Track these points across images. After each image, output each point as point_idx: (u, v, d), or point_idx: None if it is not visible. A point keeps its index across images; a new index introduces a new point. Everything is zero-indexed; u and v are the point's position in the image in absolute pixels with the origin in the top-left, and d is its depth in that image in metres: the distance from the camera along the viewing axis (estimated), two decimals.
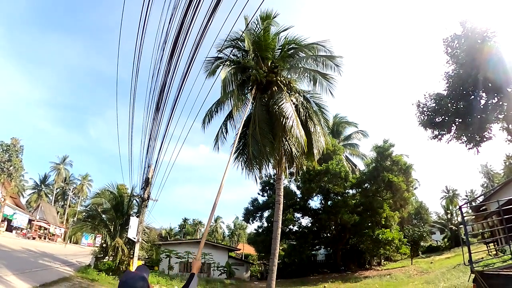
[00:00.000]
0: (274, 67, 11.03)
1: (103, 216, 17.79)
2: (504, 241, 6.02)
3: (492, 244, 16.57)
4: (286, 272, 26.10)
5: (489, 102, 8.93)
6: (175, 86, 9.09)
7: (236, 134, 8.67)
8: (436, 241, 43.48)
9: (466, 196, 58.76)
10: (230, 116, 11.26)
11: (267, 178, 28.42)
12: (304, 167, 15.36)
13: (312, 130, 10.22)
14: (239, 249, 37.68)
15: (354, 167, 30.30)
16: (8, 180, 26.61)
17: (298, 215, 27.52)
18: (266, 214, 28.00)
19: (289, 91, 10.69)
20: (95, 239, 21.39)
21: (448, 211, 47.19)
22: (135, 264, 14.90)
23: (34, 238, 33.77)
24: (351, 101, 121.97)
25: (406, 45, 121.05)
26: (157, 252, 24.67)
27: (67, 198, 59.31)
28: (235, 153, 10.65)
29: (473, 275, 4.65)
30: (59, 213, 53.98)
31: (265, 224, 27.75)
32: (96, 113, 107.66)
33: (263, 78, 10.35)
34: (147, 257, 21.52)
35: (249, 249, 39.85)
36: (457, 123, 9.37)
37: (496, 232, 11.76)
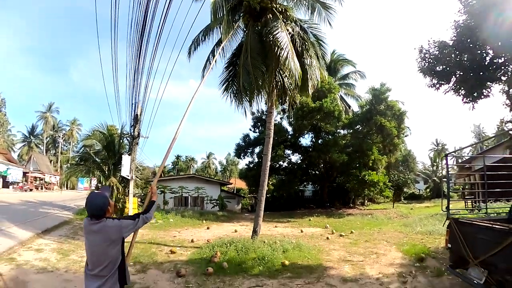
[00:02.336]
0: None
1: (96, 158, 17.75)
2: (482, 199, 6.14)
3: (470, 201, 17.56)
4: (274, 206, 27.71)
5: (495, 60, 8.30)
6: (158, 15, 8.12)
7: (226, 63, 8.08)
8: (419, 189, 46.05)
9: (454, 152, 60.56)
10: (218, 44, 10.38)
11: (259, 114, 28.26)
12: (297, 103, 14.91)
13: (308, 63, 9.57)
14: (231, 183, 39.31)
15: (348, 107, 30.02)
16: None
17: (288, 151, 27.96)
18: (257, 150, 28.32)
19: (284, 20, 9.67)
20: (90, 182, 21.82)
21: (435, 164, 48.91)
22: (130, 201, 15.36)
23: (31, 190, 34.31)
24: (351, 40, 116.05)
25: None
26: None
27: (58, 145, 59.21)
28: (224, 83, 10.06)
29: (448, 221, 4.85)
30: (52, 162, 54.37)
31: (256, 160, 28.28)
32: (77, 55, 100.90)
33: (256, 4, 9.25)
34: (142, 194, 22.25)
35: (240, 184, 41.42)
36: (457, 75, 8.88)
37: (476, 189, 12.17)
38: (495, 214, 6.11)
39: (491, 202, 8.61)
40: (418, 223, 13.33)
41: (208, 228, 14.56)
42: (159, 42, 8.90)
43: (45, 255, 6.86)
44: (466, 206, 18.31)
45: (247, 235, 10.49)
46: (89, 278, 2.27)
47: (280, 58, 8.45)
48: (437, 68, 9.51)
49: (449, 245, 4.76)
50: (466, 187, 18.63)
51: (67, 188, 49.27)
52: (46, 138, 57.74)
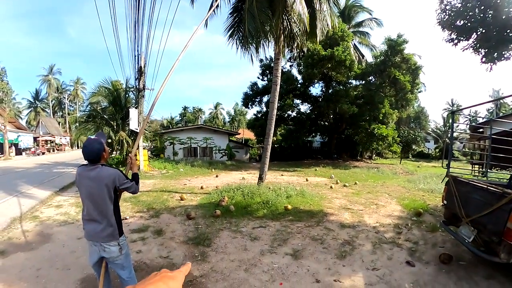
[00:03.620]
0: None
1: (103, 114, 17.91)
2: (488, 166, 6.02)
3: (477, 166, 17.14)
4: (282, 155, 28.23)
5: None
6: None
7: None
8: (428, 148, 45.48)
9: (469, 115, 58.03)
10: None
11: (267, 62, 27.29)
12: (306, 51, 14.01)
13: (317, 8, 8.85)
14: (239, 133, 39.42)
15: (361, 57, 28.54)
16: (1, 106, 25.76)
17: (297, 101, 27.49)
18: (265, 98, 27.85)
19: None
20: None
21: (448, 124, 47.46)
22: (141, 153, 15.94)
23: (43, 153, 35.15)
24: None
25: None
26: (161, 141, 26.21)
27: (64, 107, 59.09)
28: (229, 30, 9.57)
29: (447, 179, 4.86)
30: (60, 123, 54.85)
31: (264, 109, 27.95)
32: (70, 11, 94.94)
33: None
34: (152, 146, 22.91)
35: (248, 134, 41.61)
36: (479, 32, 8.05)
37: (484, 156, 11.87)
38: (497, 180, 6.07)
39: (497, 170, 8.47)
40: (422, 180, 13.45)
41: (217, 176, 15.17)
42: None
43: (64, 210, 7.34)
44: (473, 171, 17.97)
45: (253, 182, 10.88)
46: (86, 222, 2.45)
47: (287, 1, 7.82)
48: (458, 22, 8.75)
49: (445, 202, 4.84)
50: (476, 151, 18.19)
51: (78, 148, 50.84)
52: (52, 101, 57.71)
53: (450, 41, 9.27)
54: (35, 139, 39.67)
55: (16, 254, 4.47)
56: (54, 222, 6.22)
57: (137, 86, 15.54)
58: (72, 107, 61.48)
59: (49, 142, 42.30)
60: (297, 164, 23.20)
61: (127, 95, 17.73)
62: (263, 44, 9.63)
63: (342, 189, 11.07)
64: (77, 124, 33.42)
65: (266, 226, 5.97)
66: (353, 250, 4.75)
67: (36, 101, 56.15)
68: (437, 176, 15.36)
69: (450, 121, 4.95)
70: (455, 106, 59.33)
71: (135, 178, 2.64)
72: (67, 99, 59.22)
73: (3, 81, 25.66)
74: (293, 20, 8.77)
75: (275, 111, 9.58)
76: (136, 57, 13.96)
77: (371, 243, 5.08)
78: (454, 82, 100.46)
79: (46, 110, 57.67)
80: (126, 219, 6.33)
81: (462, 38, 9.00)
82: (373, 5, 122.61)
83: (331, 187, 11.40)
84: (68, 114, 58.96)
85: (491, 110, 52.85)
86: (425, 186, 11.80)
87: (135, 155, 2.86)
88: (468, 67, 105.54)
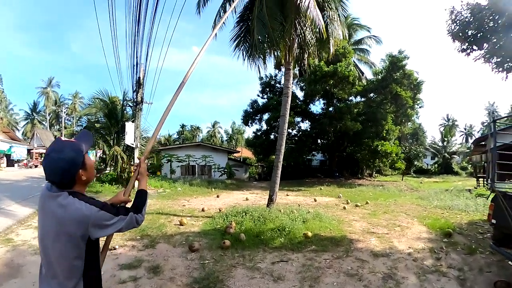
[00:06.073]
0: None
1: (98, 126, 17.12)
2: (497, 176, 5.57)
3: (482, 179, 16.96)
4: (283, 174, 27.12)
5: None
6: None
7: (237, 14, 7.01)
8: (427, 164, 45.44)
9: (465, 128, 59.54)
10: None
11: (267, 79, 27.31)
12: (311, 67, 13.80)
13: (330, 16, 8.42)
14: (238, 151, 38.93)
15: (361, 74, 28.56)
16: None
17: (298, 119, 27.33)
18: (265, 116, 27.57)
19: None
20: (96, 155, 21.49)
21: (445, 139, 47.71)
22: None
23: (36, 166, 33.79)
24: (365, 2, 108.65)
25: None
26: (158, 158, 25.23)
27: (61, 120, 58.22)
28: (235, 40, 9.03)
29: (493, 195, 4.52)
30: (56, 137, 53.92)
31: (264, 127, 27.75)
32: (74, 27, 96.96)
33: None
34: (148, 164, 22.01)
35: (247, 153, 41.29)
36: (490, 41, 7.83)
37: (489, 167, 11.58)
38: None
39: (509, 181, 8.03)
40: (434, 197, 13.13)
41: (217, 196, 14.21)
42: (157, 7, 7.97)
43: None
44: (478, 183, 18.14)
45: (260, 204, 10.00)
46: (40, 281, 1.42)
47: (301, 7, 7.34)
48: (469, 32, 8.55)
49: (493, 221, 4.43)
50: (484, 164, 18.20)
51: None
52: (49, 114, 57.14)
53: (462, 51, 8.98)
54: (28, 151, 38.58)
55: None
56: (29, 249, 5.22)
57: (135, 99, 14.82)
58: (70, 121, 60.58)
59: (43, 154, 41.15)
60: (300, 183, 22.38)
61: (123, 108, 17.00)
62: (267, 57, 9.17)
63: (356, 210, 10.25)
64: (73, 138, 32.48)
65: (288, 260, 4.97)
66: (398, 286, 4.00)
67: (33, 113, 55.42)
68: (446, 191, 15.03)
69: (492, 130, 4.43)
70: (450, 121, 60.02)
71: (140, 199, 1.59)
72: (65, 112, 58.51)
73: None
74: (306, 28, 8.26)
75: (286, 125, 8.89)
76: (135, 67, 13.32)
77: (414, 274, 4.42)
78: (448, 96, 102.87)
79: (43, 122, 56.80)
80: (115, 249, 5.22)
81: (474, 48, 8.73)
82: (371, 22, 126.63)
83: (344, 207, 10.55)
84: (65, 127, 58.00)
85: (485, 124, 53.40)
86: (440, 203, 11.39)
87: (136, 168, 1.81)
88: (463, 81, 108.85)
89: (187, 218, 8.09)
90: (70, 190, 1.36)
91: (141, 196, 1.61)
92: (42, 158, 1.14)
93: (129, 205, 1.61)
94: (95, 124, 17.22)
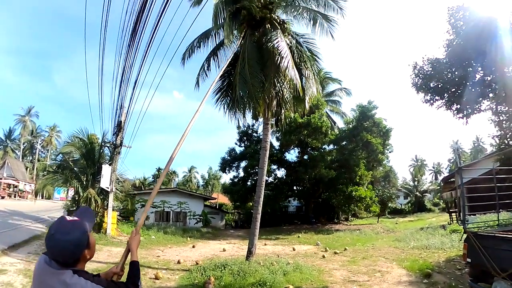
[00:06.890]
0: (269, 2, 9.71)
1: (74, 166, 16.49)
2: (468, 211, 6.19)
3: (454, 214, 18.00)
4: (260, 221, 26.81)
5: (485, 78, 8.70)
6: (149, 26, 7.96)
7: (221, 70, 7.65)
8: (400, 204, 47.12)
9: (433, 167, 64.09)
10: (214, 53, 10.12)
11: (245, 128, 28.11)
12: (288, 118, 14.79)
13: (306, 75, 9.39)
14: (215, 198, 37.97)
15: (333, 124, 30.39)
16: None
17: (274, 166, 27.77)
18: (243, 164, 27.87)
19: (282, 32, 9.48)
20: (67, 193, 20.22)
21: (416, 179, 50.23)
22: (109, 215, 14.23)
23: (3, 197, 31.81)
24: (337, 57, 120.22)
25: (405, 6, 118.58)
26: (132, 202, 24.02)
27: (35, 152, 55.48)
28: (217, 93, 9.65)
29: (465, 235, 4.76)
30: (28, 169, 50.61)
31: (242, 174, 27.90)
32: (61, 58, 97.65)
33: (257, 13, 9.06)
34: (122, 207, 20.89)
35: (223, 199, 40.48)
36: (450, 92, 9.15)
37: (459, 204, 12.52)
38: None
39: (480, 215, 8.64)
40: (410, 237, 13.43)
41: (193, 246, 13.64)
42: (148, 53, 8.57)
43: (8, 278, 5.87)
44: (451, 219, 19.02)
45: (238, 255, 9.76)
46: None
47: (280, 67, 8.17)
48: (431, 84, 9.77)
49: (469, 260, 4.65)
50: (455, 200, 19.33)
51: (42, 198, 45.70)
52: (23, 144, 53.91)
53: (426, 102, 10.10)
54: None
55: None
56: None
57: (114, 142, 14.64)
58: (44, 153, 57.39)
59: (12, 186, 38.08)
60: (277, 231, 22.16)
61: (102, 150, 16.58)
62: (247, 110, 9.79)
63: (335, 258, 10.28)
64: (45, 172, 30.08)
65: None
66: None
67: (7, 140, 51.60)
68: (421, 230, 15.37)
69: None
70: (419, 161, 63.80)
71: (134, 272, 1.64)
72: (40, 144, 55.22)
73: None
74: (284, 86, 9.09)
75: (264, 178, 9.23)
76: (118, 109, 13.42)
77: None
78: (415, 139, 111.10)
79: (16, 151, 53.04)
80: None
81: (436, 98, 9.88)
82: (341, 73, 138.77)
83: (323, 256, 10.55)
84: (38, 160, 54.25)
85: (452, 160, 57.10)
86: (417, 243, 11.65)
87: (130, 240, 1.86)
88: (427, 125, 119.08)
89: (162, 271, 7.69)
90: (74, 269, 1.33)
91: (135, 269, 1.67)
92: (45, 238, 1.17)
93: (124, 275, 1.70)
94: (70, 163, 16.56)
